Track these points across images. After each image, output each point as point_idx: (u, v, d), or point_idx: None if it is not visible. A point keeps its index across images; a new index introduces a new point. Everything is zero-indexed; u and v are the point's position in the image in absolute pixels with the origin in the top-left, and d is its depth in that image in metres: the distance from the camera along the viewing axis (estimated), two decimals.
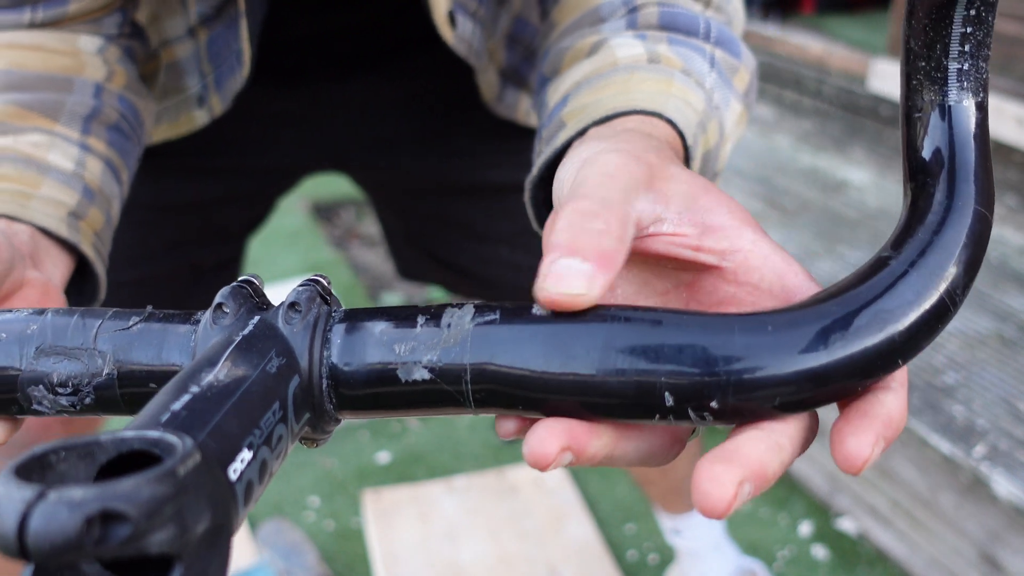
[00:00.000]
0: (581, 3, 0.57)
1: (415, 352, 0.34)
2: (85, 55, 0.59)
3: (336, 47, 0.81)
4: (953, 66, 0.34)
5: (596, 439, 0.33)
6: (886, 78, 2.42)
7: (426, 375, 0.34)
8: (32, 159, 0.53)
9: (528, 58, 0.73)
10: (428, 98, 0.85)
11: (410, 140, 0.87)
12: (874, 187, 2.34)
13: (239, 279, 0.37)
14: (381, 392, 0.34)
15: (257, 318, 0.35)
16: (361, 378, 0.34)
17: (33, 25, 0.58)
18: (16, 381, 0.37)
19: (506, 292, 0.93)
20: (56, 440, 0.26)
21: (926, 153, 0.35)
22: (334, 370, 0.34)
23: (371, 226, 2.74)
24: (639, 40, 0.52)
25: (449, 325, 0.34)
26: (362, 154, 0.89)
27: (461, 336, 0.33)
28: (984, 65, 0.34)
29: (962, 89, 0.34)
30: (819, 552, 1.57)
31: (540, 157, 0.48)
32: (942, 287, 0.32)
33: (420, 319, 0.34)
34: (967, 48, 0.34)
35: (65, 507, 0.22)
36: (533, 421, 0.34)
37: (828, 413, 0.31)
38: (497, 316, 0.34)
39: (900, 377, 0.33)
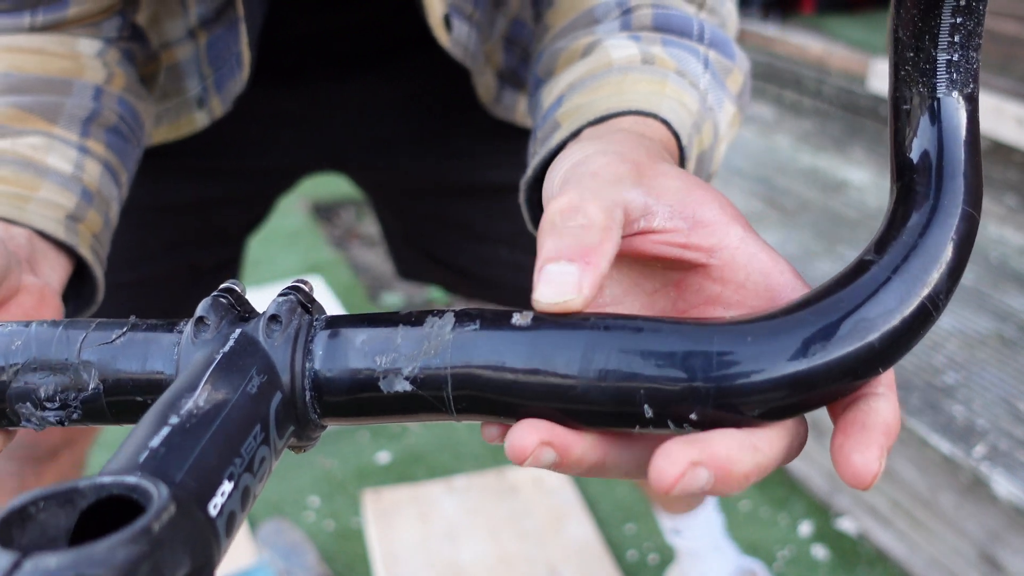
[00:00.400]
0: (575, 5, 0.57)
1: (396, 361, 0.34)
2: (84, 58, 0.59)
3: (335, 47, 0.81)
4: (943, 57, 0.33)
5: (580, 442, 0.33)
6: (886, 78, 2.41)
7: (407, 387, 0.34)
8: (30, 161, 0.52)
9: (526, 60, 0.73)
10: (427, 98, 0.85)
11: (409, 140, 0.87)
12: (874, 187, 2.34)
13: (219, 288, 0.36)
14: (364, 400, 0.34)
15: (238, 332, 0.35)
16: (344, 387, 0.34)
17: (33, 29, 0.58)
18: (3, 396, 0.37)
19: (506, 292, 0.93)
20: (35, 490, 0.26)
21: (913, 148, 0.34)
22: (317, 380, 0.34)
23: (371, 226, 2.74)
24: (633, 41, 0.52)
25: (430, 334, 0.34)
26: (361, 154, 0.89)
27: (441, 345, 0.33)
28: (975, 56, 0.33)
29: (952, 81, 0.33)
30: (819, 552, 1.57)
31: (535, 158, 0.48)
32: (924, 293, 0.32)
33: (401, 327, 0.34)
34: (957, 39, 0.33)
35: None
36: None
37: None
38: (477, 325, 0.33)
39: (887, 380, 0.33)
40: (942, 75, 0.33)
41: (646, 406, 0.31)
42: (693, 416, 0.31)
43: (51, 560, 0.22)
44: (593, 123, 0.46)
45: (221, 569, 1.56)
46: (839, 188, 2.35)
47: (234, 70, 0.66)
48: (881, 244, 0.33)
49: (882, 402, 0.32)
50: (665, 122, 0.46)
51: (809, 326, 0.31)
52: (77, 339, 0.36)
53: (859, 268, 0.33)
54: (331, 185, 2.40)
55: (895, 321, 0.31)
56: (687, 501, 1.36)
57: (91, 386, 0.36)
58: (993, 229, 2.06)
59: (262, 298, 0.52)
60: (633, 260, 0.38)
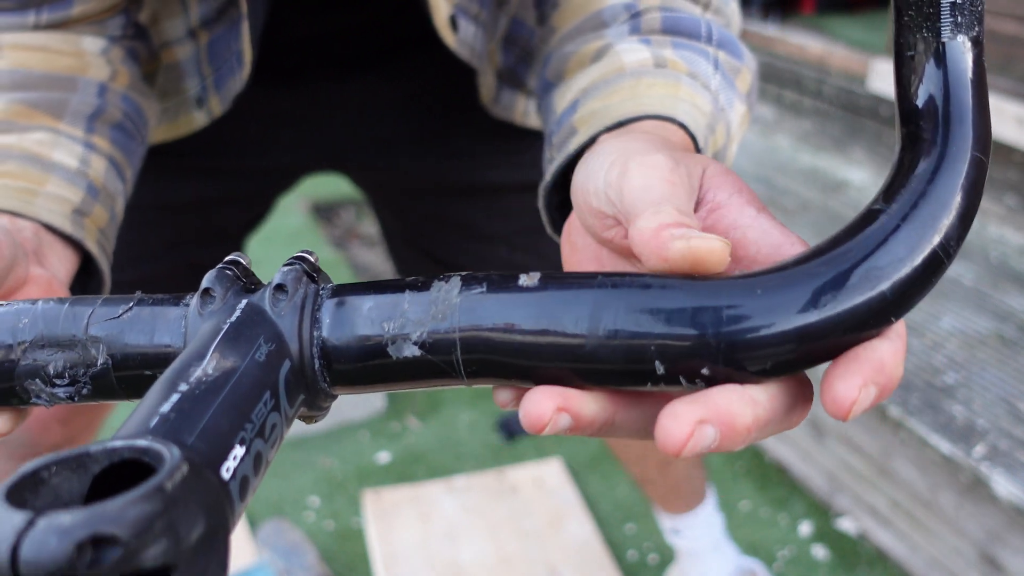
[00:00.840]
0: (581, 8, 0.57)
1: (404, 327, 0.34)
2: (89, 55, 0.59)
3: (335, 48, 0.81)
4: None
5: (593, 404, 0.33)
6: (886, 78, 2.41)
7: (416, 352, 0.33)
8: (37, 157, 0.53)
9: (524, 59, 0.73)
10: (426, 99, 0.85)
11: (408, 140, 0.87)
12: (874, 187, 2.33)
13: (224, 260, 0.36)
14: (374, 366, 0.34)
15: (244, 302, 0.34)
16: (353, 354, 0.34)
17: (38, 27, 0.58)
18: (12, 375, 0.37)
19: None
20: (47, 455, 0.26)
21: (918, 95, 0.33)
22: (325, 348, 0.34)
23: (371, 226, 2.74)
24: (644, 45, 0.53)
25: (436, 299, 0.34)
26: (360, 154, 0.89)
27: (449, 309, 0.33)
28: None
29: (956, 24, 0.32)
30: (819, 552, 1.57)
31: (553, 164, 0.49)
32: (935, 240, 0.31)
33: (408, 292, 0.34)
34: None
35: (55, 534, 0.22)
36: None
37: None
38: (484, 287, 0.33)
39: (898, 328, 0.32)
40: (946, 18, 0.32)
41: (657, 362, 0.31)
42: (705, 371, 0.31)
43: (65, 517, 0.22)
44: (611, 128, 0.46)
45: None
46: (839, 188, 2.35)
47: (234, 69, 0.67)
48: (889, 192, 0.32)
49: (884, 343, 0.31)
50: (682, 125, 0.47)
51: (819, 277, 0.31)
52: (84, 315, 0.37)
53: (867, 217, 0.32)
54: (331, 185, 2.41)
55: (907, 269, 0.31)
56: (687, 501, 1.36)
57: (99, 361, 0.36)
58: (993, 229, 2.06)
59: None
60: None
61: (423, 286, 0.34)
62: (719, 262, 0.32)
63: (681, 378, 0.31)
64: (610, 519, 1.65)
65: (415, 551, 1.57)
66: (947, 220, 0.31)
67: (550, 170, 0.49)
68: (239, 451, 0.29)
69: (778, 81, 2.89)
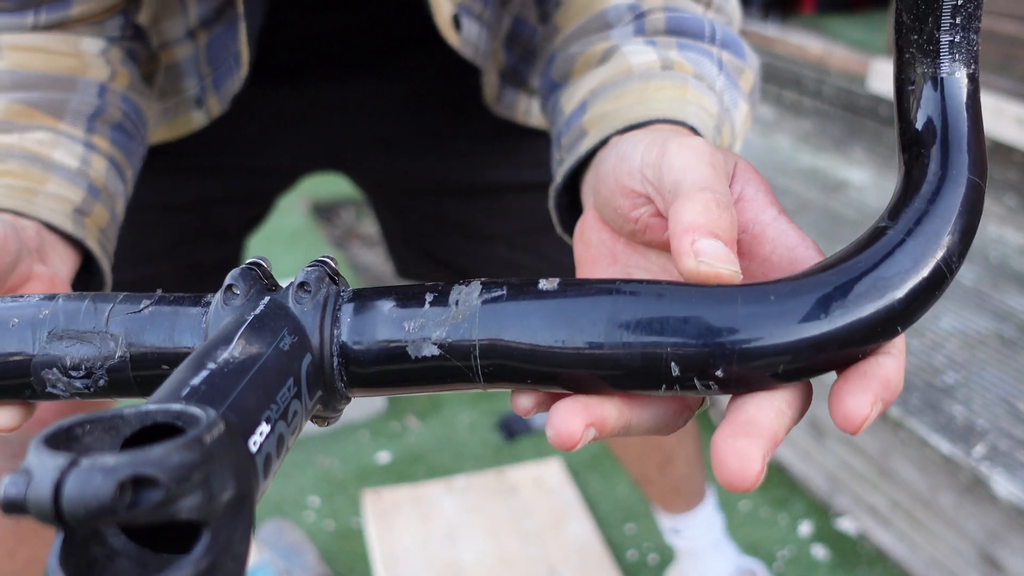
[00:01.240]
0: (585, 7, 0.58)
1: (424, 329, 0.34)
2: (88, 56, 0.59)
3: (335, 47, 0.81)
4: (945, 38, 0.35)
5: (613, 411, 0.34)
6: (886, 78, 2.41)
7: (436, 351, 0.34)
8: (37, 156, 0.53)
9: (526, 58, 0.73)
10: (426, 98, 0.85)
11: (408, 140, 0.87)
12: (874, 187, 2.34)
13: (248, 261, 0.37)
14: (391, 369, 0.35)
15: (267, 298, 0.35)
16: (371, 356, 0.35)
17: (36, 28, 0.58)
18: (29, 365, 0.37)
19: None
20: (81, 414, 0.26)
21: (919, 124, 0.36)
22: (345, 348, 0.35)
23: (371, 226, 2.74)
24: (650, 47, 0.53)
25: (457, 302, 0.34)
26: (360, 154, 0.89)
27: (469, 312, 0.34)
28: (975, 37, 0.35)
29: (954, 61, 0.35)
30: (819, 552, 1.57)
31: (563, 165, 0.49)
32: (939, 255, 0.33)
33: (428, 296, 0.35)
34: (959, 20, 0.34)
35: (98, 472, 0.23)
36: (549, 396, 0.35)
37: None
38: (504, 292, 0.34)
39: (899, 344, 0.33)
40: (945, 56, 0.35)
41: (673, 366, 0.32)
42: (719, 374, 0.32)
43: (108, 458, 0.23)
44: (622, 131, 0.47)
45: None
46: (839, 188, 2.35)
47: (232, 69, 0.67)
48: (895, 211, 0.35)
49: (888, 359, 0.33)
50: (692, 128, 0.47)
51: (831, 286, 0.32)
52: (105, 310, 0.37)
53: (875, 234, 0.34)
54: (331, 185, 2.40)
55: (913, 281, 0.32)
56: (686, 500, 1.36)
57: (117, 355, 0.36)
58: (993, 229, 2.06)
59: None
60: (664, 243, 0.40)
61: (443, 290, 0.35)
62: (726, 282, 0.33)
63: (696, 381, 0.32)
64: (610, 519, 1.65)
65: (415, 551, 1.57)
66: (949, 237, 0.33)
67: (561, 171, 0.50)
68: (265, 428, 0.29)
69: (778, 81, 2.89)
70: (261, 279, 0.36)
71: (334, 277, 0.36)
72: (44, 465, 0.23)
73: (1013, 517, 1.31)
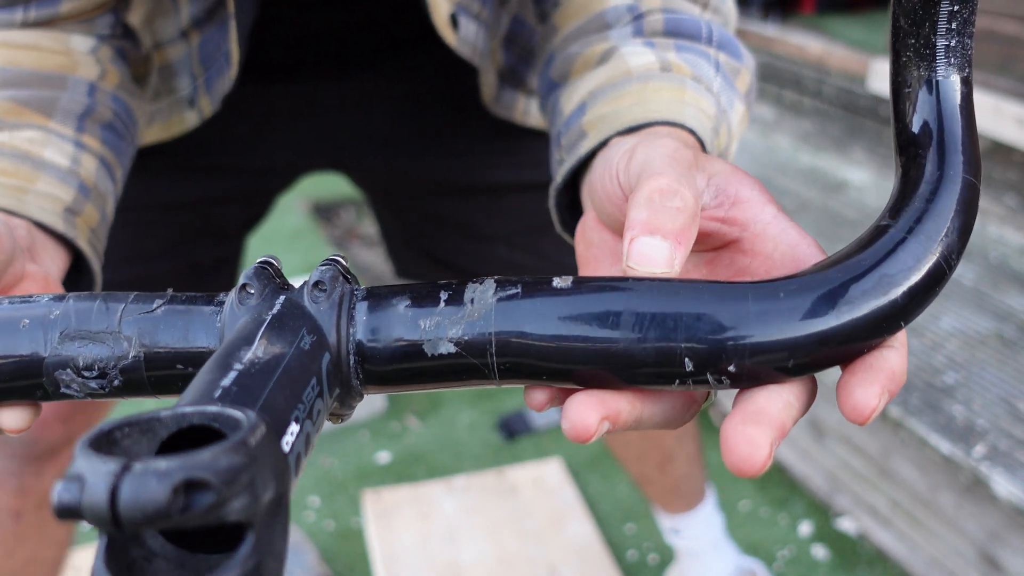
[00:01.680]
0: (584, 8, 0.58)
1: (440, 327, 0.35)
2: (78, 54, 0.59)
3: (333, 46, 0.81)
4: (941, 43, 0.36)
5: (626, 404, 0.35)
6: (886, 78, 2.41)
7: (452, 349, 0.35)
8: (28, 155, 0.52)
9: (524, 58, 0.73)
10: (424, 97, 0.85)
11: (406, 139, 0.87)
12: (874, 187, 2.34)
13: (259, 260, 0.37)
14: (407, 367, 0.35)
15: (283, 297, 0.36)
16: (387, 354, 0.35)
17: (25, 24, 0.58)
18: (41, 366, 0.37)
19: None
20: (119, 417, 0.26)
21: (915, 126, 0.37)
22: (361, 347, 0.35)
23: (371, 226, 2.74)
24: (649, 48, 0.53)
25: (472, 300, 0.35)
26: (358, 153, 0.89)
27: (484, 310, 0.35)
28: (969, 42, 0.36)
29: (949, 65, 0.36)
30: (819, 552, 1.57)
31: (563, 165, 0.50)
32: (939, 251, 0.34)
33: (442, 295, 0.35)
34: (954, 25, 0.36)
35: (153, 477, 0.23)
36: (562, 391, 0.36)
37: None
38: (519, 290, 0.35)
39: (900, 338, 0.35)
40: (941, 59, 0.36)
41: (687, 361, 0.33)
42: (731, 369, 0.33)
43: (161, 463, 0.23)
44: (622, 133, 0.47)
45: None
46: (839, 188, 2.35)
47: (223, 68, 0.66)
48: (895, 210, 0.36)
49: (892, 352, 0.34)
50: (691, 130, 0.48)
51: (837, 283, 0.33)
52: (117, 310, 0.37)
53: (877, 232, 0.35)
54: (331, 185, 2.40)
55: (916, 277, 0.34)
56: (686, 500, 1.36)
57: (131, 355, 0.36)
58: (993, 229, 2.06)
59: None
60: None
61: (457, 289, 0.36)
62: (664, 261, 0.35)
63: (709, 376, 0.33)
64: (610, 519, 1.65)
65: (415, 551, 1.57)
66: (948, 234, 0.35)
67: (561, 172, 0.50)
68: (295, 427, 0.30)
69: (778, 81, 2.89)
70: (274, 278, 0.36)
71: (347, 275, 0.37)
72: (96, 470, 0.23)
73: (1013, 517, 1.31)
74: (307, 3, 0.77)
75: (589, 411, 0.34)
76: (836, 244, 2.02)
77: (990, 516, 1.35)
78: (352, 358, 0.35)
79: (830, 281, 0.33)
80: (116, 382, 0.37)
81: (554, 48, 0.59)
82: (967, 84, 0.37)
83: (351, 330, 0.35)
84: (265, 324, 0.33)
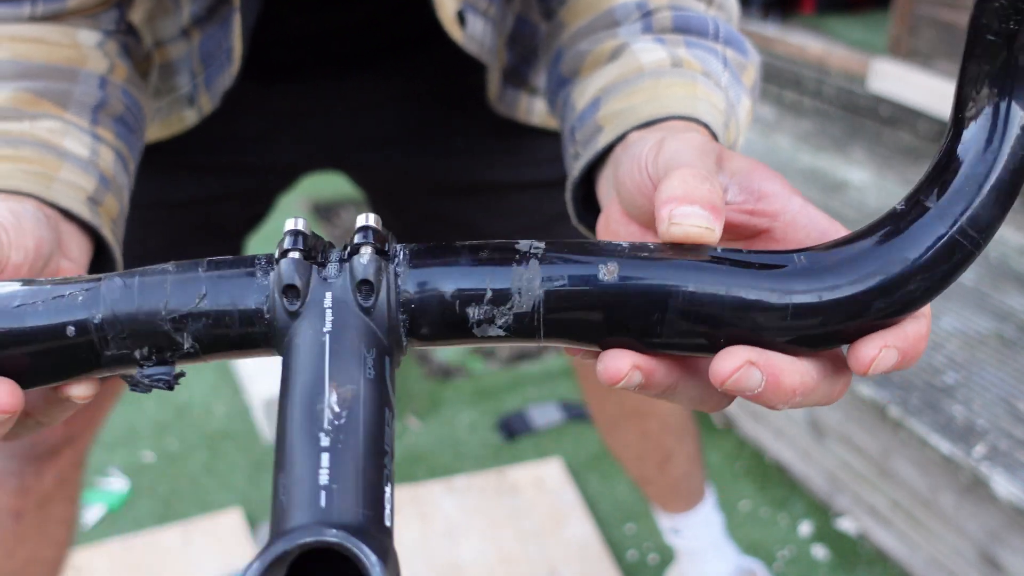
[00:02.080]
0: (592, 5, 0.59)
1: (489, 315, 0.36)
2: (86, 48, 0.59)
3: (333, 45, 0.81)
4: None
5: (661, 367, 0.37)
6: (886, 78, 2.42)
7: (501, 333, 0.36)
8: (49, 144, 0.52)
9: (527, 57, 0.73)
10: (425, 97, 0.85)
11: (407, 139, 0.87)
12: (874, 187, 2.34)
13: (287, 234, 0.36)
14: (454, 343, 0.37)
15: (330, 299, 0.35)
16: (437, 336, 0.36)
17: (33, 18, 0.58)
18: (102, 355, 0.36)
19: None
20: (252, 563, 0.28)
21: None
22: (412, 344, 0.36)
23: None
24: (659, 44, 0.54)
25: (520, 291, 0.36)
26: (359, 152, 0.89)
27: (532, 300, 0.35)
28: None
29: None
30: (819, 552, 1.57)
31: (580, 160, 0.51)
32: (966, 232, 0.34)
33: (487, 281, 0.36)
34: None
35: None
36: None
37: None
38: (566, 281, 0.36)
39: (924, 310, 0.36)
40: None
41: (724, 330, 0.35)
42: (766, 337, 0.34)
43: None
44: (638, 128, 0.48)
45: (221, 569, 1.56)
46: (839, 188, 2.35)
47: (224, 65, 0.67)
48: (926, 188, 0.36)
49: (909, 320, 0.35)
50: (705, 124, 0.49)
51: (869, 257, 0.35)
52: (164, 283, 0.36)
53: (913, 208, 0.35)
54: (331, 185, 2.40)
55: (941, 254, 0.34)
56: (686, 500, 1.36)
57: (186, 346, 0.36)
58: None
59: None
60: None
61: (502, 276, 0.36)
62: (708, 241, 0.36)
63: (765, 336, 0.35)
64: (610, 519, 1.65)
65: (415, 551, 1.57)
66: (977, 213, 0.35)
67: (577, 165, 0.51)
68: (388, 491, 0.30)
69: (778, 81, 2.90)
70: (309, 256, 0.35)
71: (385, 251, 0.36)
72: None
73: (1013, 517, 1.31)
74: (308, 3, 0.77)
75: (624, 358, 0.35)
76: None
77: (990, 516, 1.35)
78: (406, 351, 0.36)
79: (864, 255, 0.35)
80: (192, 348, 0.36)
81: (562, 44, 0.60)
82: None
83: (402, 330, 0.35)
84: (327, 355, 0.33)
